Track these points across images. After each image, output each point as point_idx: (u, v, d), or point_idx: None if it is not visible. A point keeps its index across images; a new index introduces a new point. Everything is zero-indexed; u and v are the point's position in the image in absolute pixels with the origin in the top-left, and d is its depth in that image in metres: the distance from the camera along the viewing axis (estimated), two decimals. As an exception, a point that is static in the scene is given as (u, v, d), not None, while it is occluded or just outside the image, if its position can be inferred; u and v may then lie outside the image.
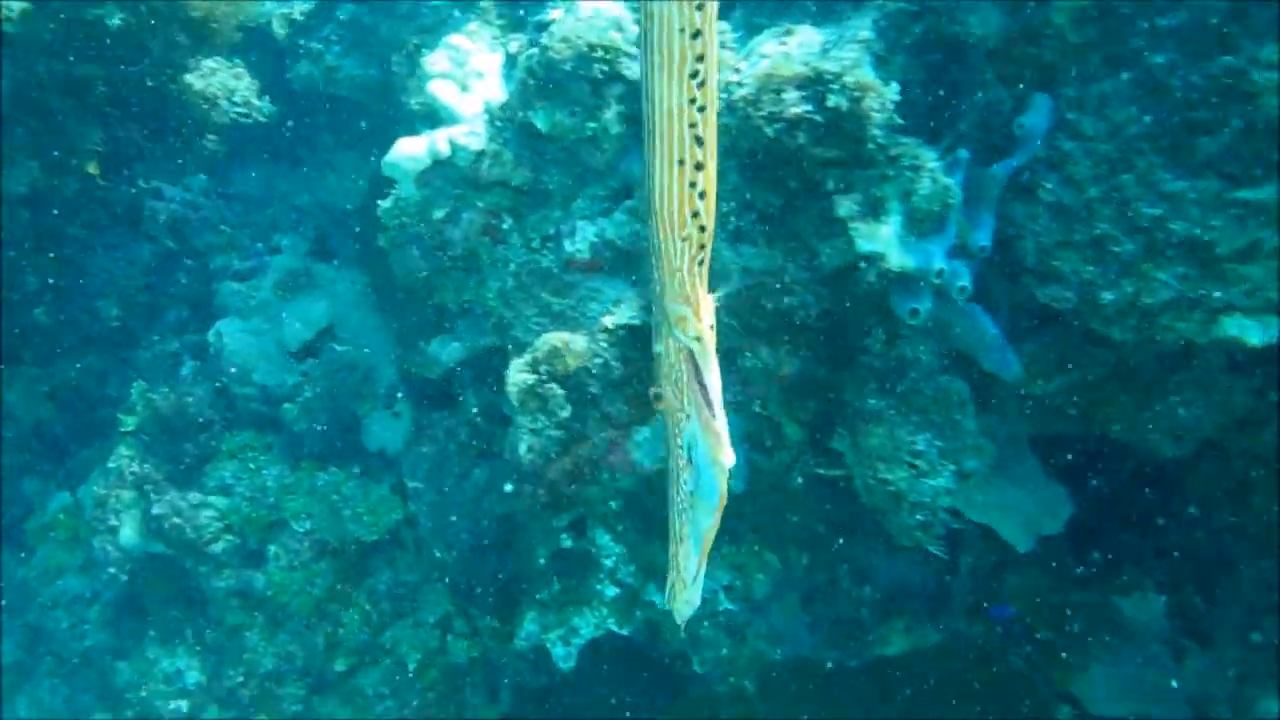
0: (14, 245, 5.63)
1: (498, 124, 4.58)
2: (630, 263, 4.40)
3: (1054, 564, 4.74)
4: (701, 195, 2.39)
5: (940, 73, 3.89)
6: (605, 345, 4.19)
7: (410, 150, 4.60)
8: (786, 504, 4.94)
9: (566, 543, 5.37)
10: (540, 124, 4.38)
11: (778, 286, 3.96)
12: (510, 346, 4.61)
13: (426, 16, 5.37)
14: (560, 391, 4.15)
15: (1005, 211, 3.86)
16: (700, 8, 2.27)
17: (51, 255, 5.85)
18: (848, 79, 3.50)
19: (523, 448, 4.28)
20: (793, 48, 3.72)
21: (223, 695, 6.03)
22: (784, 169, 3.81)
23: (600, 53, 4.15)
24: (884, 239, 3.66)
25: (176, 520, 5.78)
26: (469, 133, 4.59)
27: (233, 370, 6.06)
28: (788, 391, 4.35)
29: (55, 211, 5.50)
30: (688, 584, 2.56)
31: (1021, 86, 3.79)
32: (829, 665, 5.19)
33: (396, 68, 5.52)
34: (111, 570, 6.15)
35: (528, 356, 4.22)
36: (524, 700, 6.00)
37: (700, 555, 2.52)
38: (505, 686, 6.02)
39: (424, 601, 5.99)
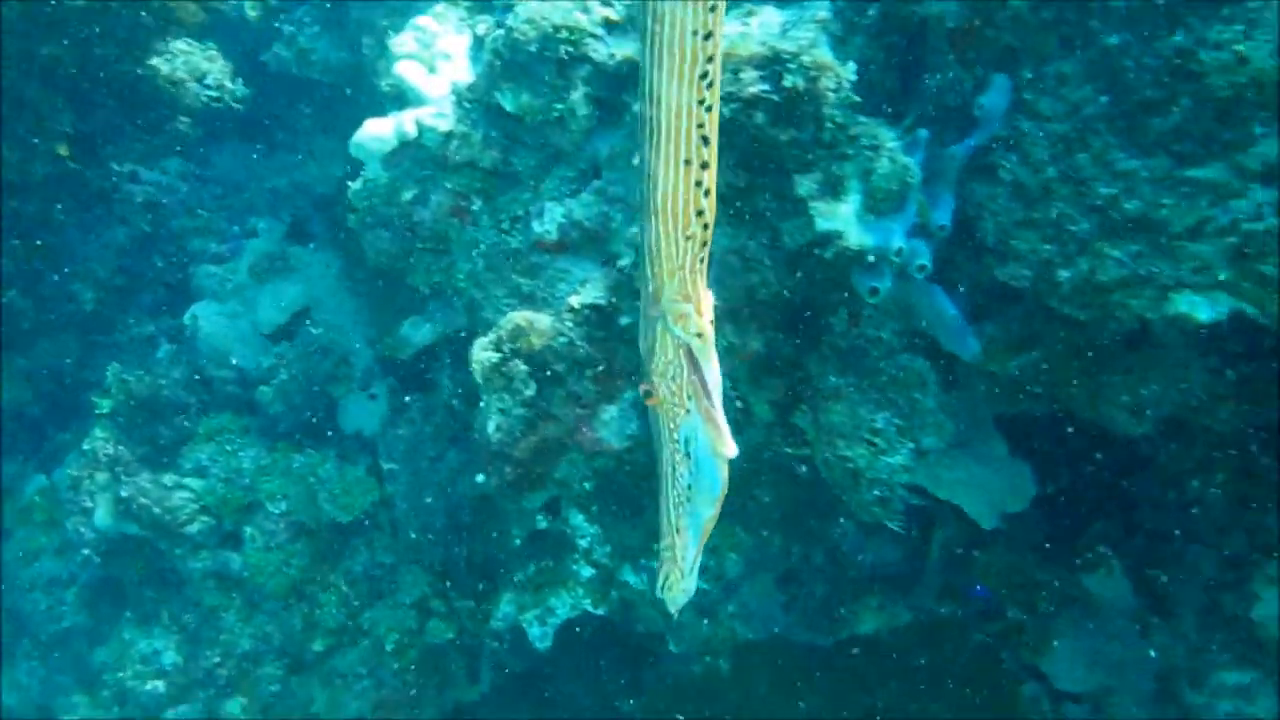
0: (-13, 228, 5.64)
1: (465, 105, 4.59)
2: (597, 243, 4.42)
3: (1022, 542, 4.79)
4: (706, 194, 2.42)
5: (900, 53, 3.91)
6: (571, 325, 4.21)
7: (377, 131, 4.62)
8: (758, 483, 4.98)
9: (542, 524, 5.39)
10: (508, 105, 4.39)
11: (740, 264, 3.98)
12: (480, 328, 4.63)
13: (396, -2, 5.38)
14: (524, 369, 4.18)
15: (966, 192, 3.89)
16: (713, 9, 2.28)
17: (25, 239, 5.84)
18: (805, 58, 3.52)
19: (491, 426, 4.31)
20: (753, 28, 3.74)
21: (200, 676, 6.05)
22: (744, 148, 3.83)
23: (565, 34, 4.17)
24: (843, 217, 3.69)
25: (144, 501, 5.79)
26: (436, 114, 4.60)
27: (209, 353, 6.08)
28: (755, 370, 4.37)
29: (27, 194, 5.49)
30: (685, 574, 2.60)
31: (980, 69, 3.81)
32: (802, 643, 5.24)
33: (368, 50, 5.53)
34: (86, 552, 6.17)
35: (492, 335, 4.24)
36: (504, 680, 6.05)
37: (699, 545, 2.56)
38: (485, 667, 6.06)
39: (401, 582, 6.00)
